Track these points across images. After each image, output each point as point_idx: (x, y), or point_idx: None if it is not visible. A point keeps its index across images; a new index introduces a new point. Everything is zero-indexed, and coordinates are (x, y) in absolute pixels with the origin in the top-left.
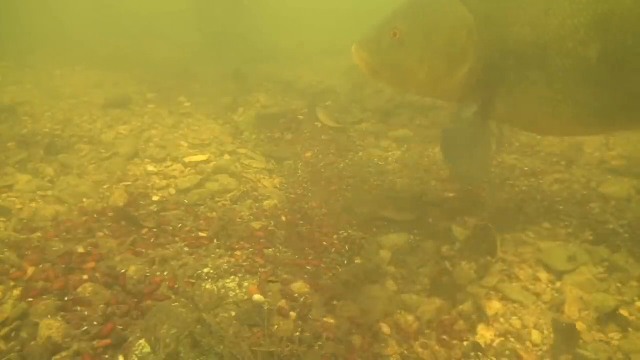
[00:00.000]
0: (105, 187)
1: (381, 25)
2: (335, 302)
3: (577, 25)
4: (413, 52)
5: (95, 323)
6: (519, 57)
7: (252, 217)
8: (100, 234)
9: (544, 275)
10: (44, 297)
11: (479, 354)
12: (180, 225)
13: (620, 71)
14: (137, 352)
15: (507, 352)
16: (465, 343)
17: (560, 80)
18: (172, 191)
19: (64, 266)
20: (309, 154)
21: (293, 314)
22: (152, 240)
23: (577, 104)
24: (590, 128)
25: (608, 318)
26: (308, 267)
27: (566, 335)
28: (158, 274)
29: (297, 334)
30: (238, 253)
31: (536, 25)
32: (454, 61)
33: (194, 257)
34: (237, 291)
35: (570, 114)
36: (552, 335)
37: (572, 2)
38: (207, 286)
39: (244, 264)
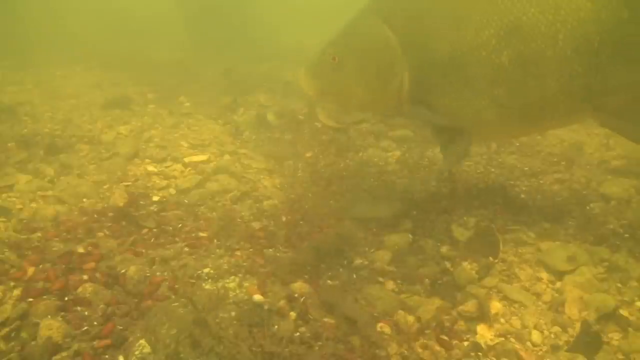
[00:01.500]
0: (105, 187)
1: (322, 50)
2: (335, 302)
3: (488, 36)
4: (350, 74)
5: (95, 323)
6: (440, 68)
7: (252, 217)
8: (100, 234)
9: (544, 275)
10: (44, 297)
11: (479, 354)
12: (180, 225)
13: (531, 74)
14: (137, 352)
15: (507, 352)
16: (465, 343)
17: (480, 87)
18: (172, 191)
19: (64, 266)
20: (309, 154)
21: (293, 314)
22: (152, 240)
23: (499, 107)
24: (515, 129)
25: (608, 318)
26: (308, 267)
27: (590, 340)
28: (158, 274)
29: (297, 334)
30: (238, 253)
31: (452, 38)
32: (384, 78)
33: (194, 257)
34: (237, 291)
35: (494, 117)
36: (574, 334)
37: (482, 15)
38: (207, 286)
39: (244, 264)
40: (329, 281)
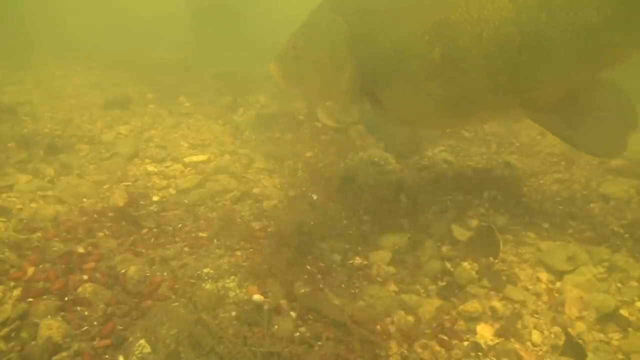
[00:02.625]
0: (105, 187)
1: (289, 40)
2: (335, 302)
3: (423, 32)
4: (307, 63)
5: (95, 323)
6: (384, 62)
7: (252, 217)
8: (100, 234)
9: (544, 275)
10: (44, 297)
11: (479, 354)
12: (180, 225)
13: (460, 70)
14: (137, 352)
15: (507, 352)
16: (465, 343)
17: (418, 81)
18: (172, 191)
19: (64, 266)
20: (309, 154)
21: (293, 314)
22: (152, 240)
23: (434, 100)
24: (449, 122)
25: (608, 318)
26: (308, 267)
27: (574, 352)
28: (158, 274)
29: (297, 334)
30: (238, 253)
31: (393, 33)
32: (337, 68)
33: (194, 257)
34: (237, 291)
35: (430, 110)
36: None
37: (418, 12)
38: (207, 286)
39: (244, 264)
40: (329, 281)
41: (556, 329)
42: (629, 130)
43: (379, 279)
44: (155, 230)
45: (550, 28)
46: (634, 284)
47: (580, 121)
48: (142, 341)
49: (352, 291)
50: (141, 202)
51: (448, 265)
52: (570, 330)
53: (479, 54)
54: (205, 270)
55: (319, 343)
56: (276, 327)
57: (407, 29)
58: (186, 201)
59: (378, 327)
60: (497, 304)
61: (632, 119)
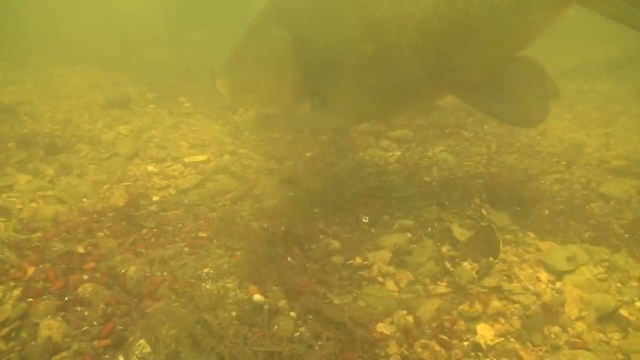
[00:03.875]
0: (105, 187)
1: (231, 52)
2: (335, 302)
3: (354, 31)
4: (252, 73)
5: (95, 323)
6: (324, 62)
7: (252, 217)
8: (100, 234)
9: (544, 275)
10: (44, 297)
11: (479, 354)
12: (180, 225)
13: (392, 61)
14: (137, 352)
15: (507, 352)
16: (465, 343)
17: (356, 76)
18: (172, 191)
19: (64, 266)
20: (309, 154)
21: (293, 314)
22: (152, 240)
23: (373, 93)
24: (389, 111)
25: (608, 318)
26: (307, 265)
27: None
28: (158, 274)
29: (297, 333)
30: (238, 253)
31: (328, 35)
32: (281, 74)
33: (193, 257)
34: (237, 291)
35: (370, 102)
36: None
37: (347, 12)
38: (207, 286)
39: (244, 263)
40: (329, 281)
41: (556, 329)
42: (548, 101)
43: (379, 279)
44: (155, 230)
45: (468, 14)
46: (634, 284)
47: (504, 96)
48: (142, 341)
49: (352, 291)
50: (141, 202)
51: (448, 265)
52: (570, 330)
53: (407, 46)
54: (205, 270)
55: (319, 343)
56: (276, 327)
57: (341, 29)
58: (186, 201)
59: (378, 327)
60: (497, 304)
61: (549, 90)
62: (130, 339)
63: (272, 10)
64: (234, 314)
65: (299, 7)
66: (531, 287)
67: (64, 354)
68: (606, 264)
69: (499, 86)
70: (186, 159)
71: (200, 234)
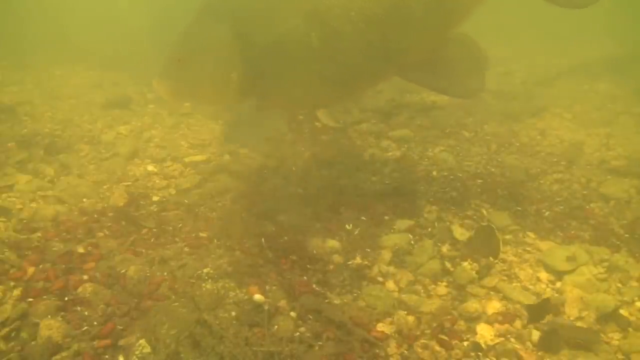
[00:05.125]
0: (105, 187)
1: (169, 56)
2: (335, 302)
3: (298, 22)
4: (195, 73)
5: (95, 323)
6: (270, 56)
7: (252, 217)
8: (100, 234)
9: (544, 275)
10: (44, 297)
11: (479, 354)
12: (180, 225)
13: (338, 48)
14: (137, 352)
15: (507, 352)
16: (465, 343)
17: (303, 66)
18: (172, 191)
19: (64, 266)
20: (309, 154)
21: (293, 314)
22: (152, 240)
23: (320, 80)
24: (338, 96)
25: (608, 318)
26: (308, 266)
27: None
28: (158, 274)
29: (297, 333)
30: (238, 253)
31: (272, 29)
32: (223, 71)
33: (193, 257)
34: (237, 291)
35: (318, 89)
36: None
37: (289, 5)
38: (207, 286)
39: (244, 263)
40: (329, 281)
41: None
42: (484, 73)
43: (379, 279)
44: (155, 230)
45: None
46: (634, 284)
47: (443, 72)
48: (142, 341)
49: (352, 291)
50: (141, 202)
51: (448, 265)
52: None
53: (351, 32)
54: (205, 270)
55: (319, 343)
56: (276, 327)
57: (284, 22)
58: (186, 201)
59: (378, 327)
60: (497, 304)
61: (483, 62)
62: (131, 338)
63: (210, 7)
64: (234, 314)
65: (237, 2)
66: (531, 287)
67: (64, 354)
68: (606, 264)
69: (439, 63)
70: (186, 159)
71: (200, 234)
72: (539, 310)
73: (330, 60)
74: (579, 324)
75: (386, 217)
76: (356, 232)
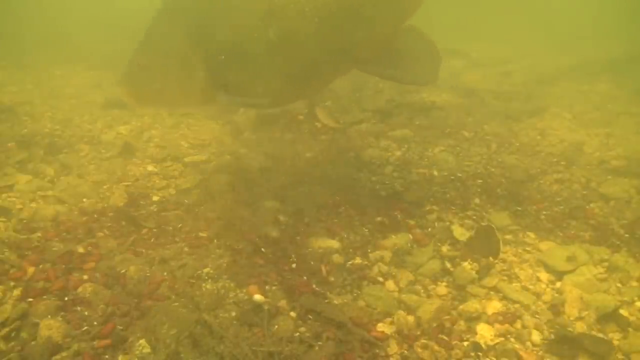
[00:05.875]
0: (105, 187)
1: (130, 61)
2: (335, 302)
3: (256, 21)
4: (159, 77)
5: (95, 323)
6: (229, 53)
7: (252, 217)
8: (100, 234)
9: (544, 275)
10: (44, 297)
11: (479, 354)
12: (180, 225)
13: (296, 44)
14: (137, 352)
15: (507, 352)
16: (465, 343)
17: (263, 62)
18: (172, 191)
19: (64, 266)
20: (309, 154)
21: (293, 314)
22: (152, 240)
23: (281, 76)
24: (299, 92)
25: (608, 318)
26: (308, 266)
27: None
28: (158, 274)
29: (297, 333)
30: (238, 253)
31: (232, 29)
32: (187, 73)
33: (194, 257)
34: (237, 291)
35: (280, 85)
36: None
37: (247, 5)
38: (207, 286)
39: (244, 263)
40: (329, 281)
41: (556, 329)
42: (438, 61)
43: (379, 279)
44: (155, 230)
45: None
46: (634, 284)
47: (398, 62)
48: (142, 341)
49: (352, 291)
50: (141, 202)
51: (448, 265)
52: (570, 330)
53: (307, 27)
54: (205, 270)
55: (319, 343)
56: (276, 327)
57: (244, 21)
58: (186, 201)
59: (378, 327)
60: (497, 304)
61: (435, 52)
62: (130, 339)
63: (169, 11)
64: (234, 314)
65: (196, 5)
66: (531, 287)
67: (64, 354)
68: (606, 264)
69: (393, 54)
70: (186, 159)
71: (200, 234)
72: None
73: (290, 56)
74: (579, 324)
75: (386, 217)
76: (356, 232)
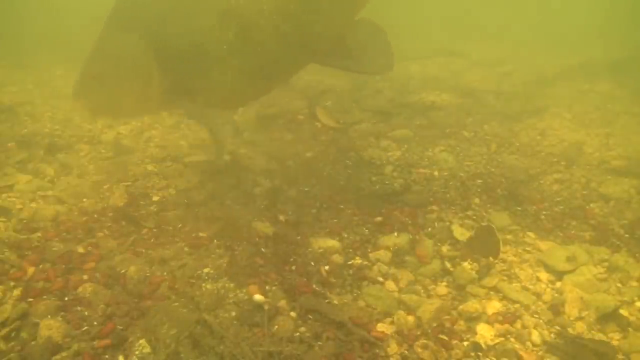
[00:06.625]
0: (105, 187)
1: (83, 72)
2: (335, 302)
3: (213, 23)
4: (113, 87)
5: (95, 323)
6: (186, 57)
7: (252, 217)
8: (100, 234)
9: (544, 275)
10: (44, 297)
11: (479, 354)
12: (180, 225)
13: (255, 42)
14: (137, 352)
15: (507, 352)
16: (465, 343)
17: (223, 62)
18: (172, 191)
19: (64, 266)
20: (309, 154)
21: (293, 314)
22: (152, 240)
23: (242, 74)
24: (261, 88)
25: (608, 318)
26: (308, 266)
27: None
28: (158, 274)
29: (297, 333)
30: (238, 253)
31: (188, 32)
32: (142, 80)
33: (194, 257)
34: (237, 291)
35: (242, 84)
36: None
37: (202, 8)
38: (207, 286)
39: (244, 263)
40: (329, 280)
41: (556, 329)
42: (392, 51)
43: (379, 279)
44: (155, 230)
45: None
46: (634, 284)
47: (354, 53)
48: (142, 341)
49: (352, 291)
50: (141, 202)
51: (448, 265)
52: (570, 330)
53: (266, 25)
54: (205, 270)
55: (319, 343)
56: (276, 327)
57: (200, 24)
58: (186, 201)
59: (378, 327)
60: (497, 304)
61: (387, 43)
62: (130, 339)
63: (118, 18)
64: (234, 314)
65: (148, 10)
66: (531, 287)
67: (64, 354)
68: (606, 264)
69: (349, 46)
70: (186, 159)
71: (200, 234)
72: None
73: (250, 54)
74: (579, 324)
75: (386, 217)
76: (356, 232)
